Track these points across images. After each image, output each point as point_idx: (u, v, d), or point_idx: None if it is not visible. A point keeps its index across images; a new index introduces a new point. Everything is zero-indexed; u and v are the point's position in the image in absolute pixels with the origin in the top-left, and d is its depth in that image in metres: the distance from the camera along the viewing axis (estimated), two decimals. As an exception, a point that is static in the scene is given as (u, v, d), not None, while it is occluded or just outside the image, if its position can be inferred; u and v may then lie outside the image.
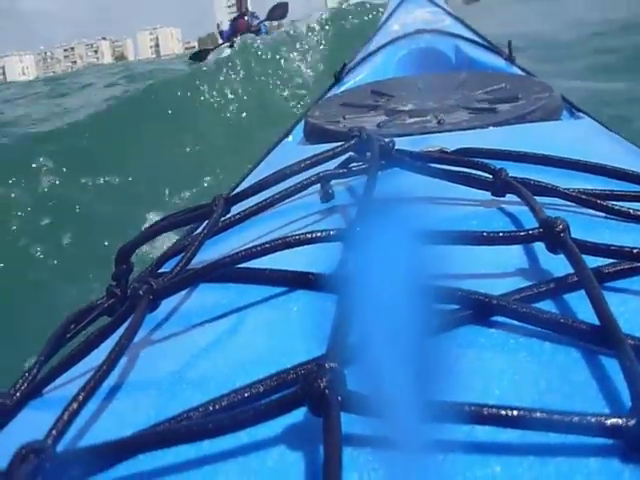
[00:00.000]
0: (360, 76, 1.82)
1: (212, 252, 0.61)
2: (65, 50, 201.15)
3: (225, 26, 10.49)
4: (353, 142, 0.72)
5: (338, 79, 1.85)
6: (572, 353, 0.38)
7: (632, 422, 0.29)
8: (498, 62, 1.81)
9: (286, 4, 10.49)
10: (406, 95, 1.30)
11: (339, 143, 0.73)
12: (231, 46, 9.68)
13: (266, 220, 0.67)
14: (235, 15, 10.49)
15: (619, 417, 0.29)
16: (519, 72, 1.70)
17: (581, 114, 1.28)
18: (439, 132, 1.00)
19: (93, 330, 0.51)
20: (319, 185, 0.71)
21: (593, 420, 0.29)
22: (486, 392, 0.35)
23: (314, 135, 1.16)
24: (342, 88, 1.69)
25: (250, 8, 10.68)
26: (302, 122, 1.30)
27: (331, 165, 0.73)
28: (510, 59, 1.80)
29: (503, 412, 0.30)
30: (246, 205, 0.66)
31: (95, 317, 0.55)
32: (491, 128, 1.00)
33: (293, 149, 1.22)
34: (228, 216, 0.65)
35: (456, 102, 1.19)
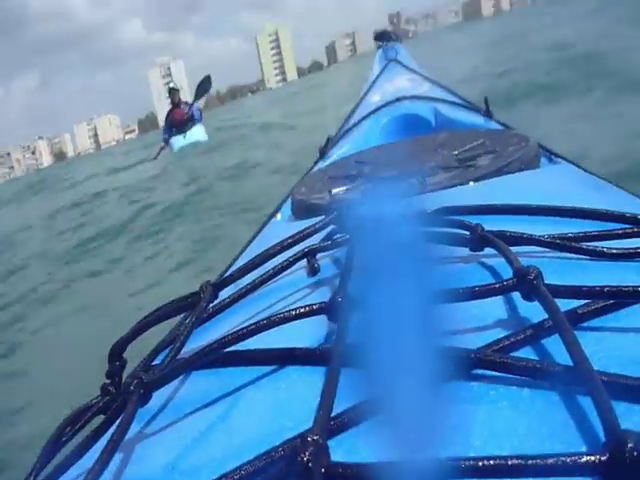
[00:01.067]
0: (344, 148, 1.86)
1: (203, 339, 0.62)
2: (1, 157, 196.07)
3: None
4: (333, 215, 0.74)
5: (323, 153, 1.89)
6: (550, 396, 0.38)
7: (605, 457, 0.29)
8: (476, 119, 1.85)
9: (208, 77, 11.30)
10: (389, 162, 1.33)
11: (321, 218, 0.75)
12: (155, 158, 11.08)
13: (255, 301, 0.68)
14: (169, 108, 11.31)
15: (593, 454, 0.29)
16: (497, 126, 1.74)
17: (559, 160, 1.30)
18: (421, 194, 1.02)
19: (90, 430, 0.51)
20: (306, 260, 0.72)
21: (568, 460, 0.29)
22: (468, 445, 0.36)
23: (300, 210, 1.18)
24: (327, 162, 1.73)
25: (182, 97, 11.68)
26: (289, 199, 1.32)
27: (317, 239, 0.74)
28: (488, 115, 1.84)
29: (480, 463, 0.30)
30: (235, 288, 0.67)
31: (90, 417, 0.55)
32: (472, 184, 1.02)
33: (281, 226, 1.24)
34: (217, 302, 0.66)
35: (436, 163, 1.21)
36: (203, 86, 11.36)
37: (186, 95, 11.85)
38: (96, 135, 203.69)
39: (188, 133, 10.96)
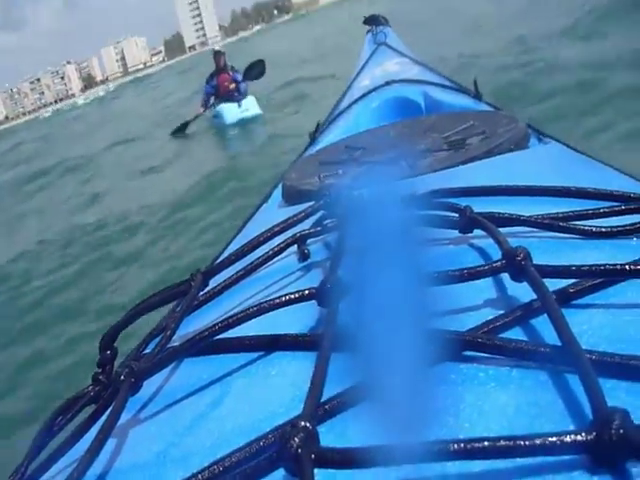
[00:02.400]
0: (334, 133, 1.85)
1: (193, 326, 0.62)
2: (31, 83, 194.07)
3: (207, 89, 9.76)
4: (323, 201, 0.74)
5: (313, 138, 1.89)
6: (539, 376, 0.38)
7: (592, 436, 0.29)
8: (465, 101, 1.85)
9: (262, 62, 9.84)
10: (378, 146, 1.33)
11: (311, 203, 0.74)
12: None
13: (245, 287, 0.68)
14: (214, 70, 9.70)
15: (580, 433, 0.29)
16: (487, 108, 1.74)
17: (548, 139, 1.30)
18: (412, 177, 1.02)
19: (81, 419, 0.51)
20: (296, 246, 0.72)
21: (555, 439, 0.29)
22: (457, 427, 0.36)
23: (291, 196, 1.17)
24: (317, 147, 1.72)
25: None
26: (280, 185, 1.32)
27: (307, 224, 0.74)
28: (477, 97, 1.84)
29: (469, 445, 0.30)
30: (226, 275, 0.67)
31: (82, 406, 0.55)
32: (461, 166, 1.02)
33: (271, 212, 1.24)
34: (207, 289, 0.66)
35: (426, 146, 1.21)
36: (254, 71, 9.79)
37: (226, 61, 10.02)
38: (123, 58, 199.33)
39: (243, 102, 9.23)
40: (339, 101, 2.38)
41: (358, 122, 1.92)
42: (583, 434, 0.29)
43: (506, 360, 0.40)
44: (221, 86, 9.55)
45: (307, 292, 0.53)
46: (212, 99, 9.72)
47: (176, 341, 0.57)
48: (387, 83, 2.16)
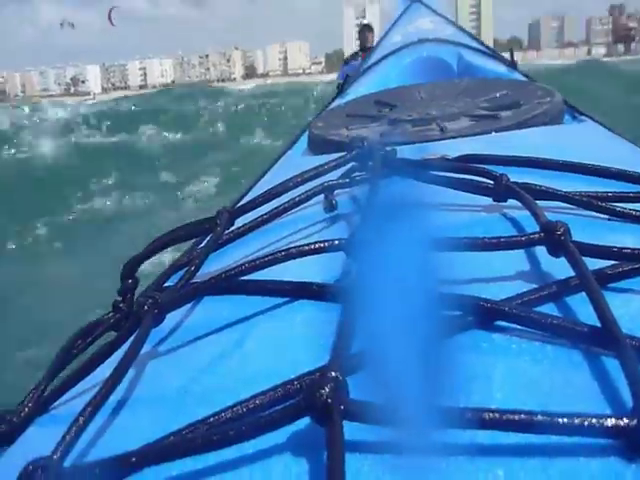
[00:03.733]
0: (363, 87, 1.82)
1: (217, 265, 0.62)
2: (200, 57, 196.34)
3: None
4: (355, 152, 0.73)
5: (341, 90, 1.86)
6: (574, 355, 0.38)
7: (634, 422, 0.29)
8: (500, 69, 1.81)
9: None
10: (409, 104, 1.31)
11: (342, 153, 0.73)
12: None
13: (270, 232, 0.68)
14: (357, 50, 7.72)
15: (620, 418, 0.29)
16: (521, 78, 1.70)
17: (584, 117, 1.28)
18: (442, 140, 1.01)
19: (100, 345, 0.51)
20: (323, 195, 0.71)
21: (594, 421, 0.29)
22: (489, 396, 0.35)
23: (318, 146, 1.16)
24: (346, 99, 1.69)
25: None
26: (306, 133, 1.30)
27: (335, 175, 0.73)
28: (512, 65, 1.80)
29: (504, 416, 0.30)
30: (251, 217, 0.66)
31: (102, 332, 0.55)
32: (494, 134, 1.00)
33: (297, 160, 1.22)
34: (232, 229, 0.65)
35: (458, 110, 1.19)
36: None
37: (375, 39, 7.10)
38: (285, 59, 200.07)
39: None
40: (369, 55, 2.33)
41: (388, 78, 1.89)
42: (624, 420, 0.29)
43: (540, 335, 0.40)
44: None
45: (336, 242, 0.53)
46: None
47: (198, 278, 0.57)
48: (420, 41, 2.12)
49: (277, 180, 0.71)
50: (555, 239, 0.46)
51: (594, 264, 0.45)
